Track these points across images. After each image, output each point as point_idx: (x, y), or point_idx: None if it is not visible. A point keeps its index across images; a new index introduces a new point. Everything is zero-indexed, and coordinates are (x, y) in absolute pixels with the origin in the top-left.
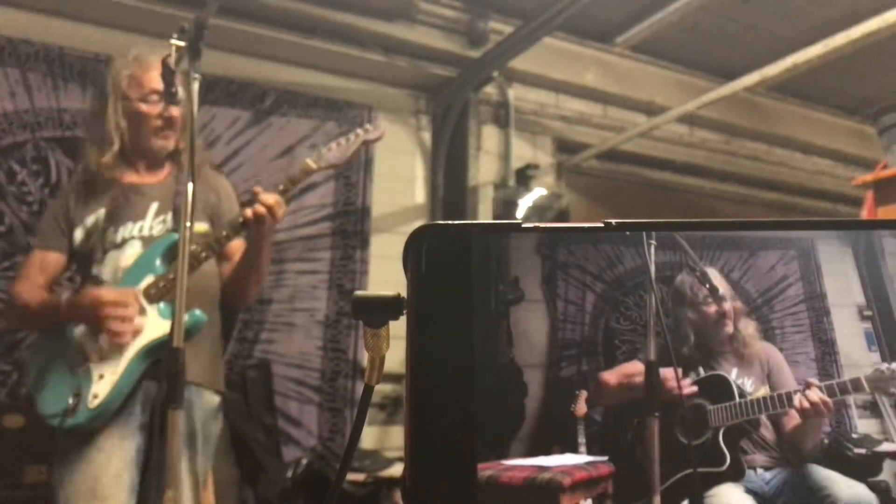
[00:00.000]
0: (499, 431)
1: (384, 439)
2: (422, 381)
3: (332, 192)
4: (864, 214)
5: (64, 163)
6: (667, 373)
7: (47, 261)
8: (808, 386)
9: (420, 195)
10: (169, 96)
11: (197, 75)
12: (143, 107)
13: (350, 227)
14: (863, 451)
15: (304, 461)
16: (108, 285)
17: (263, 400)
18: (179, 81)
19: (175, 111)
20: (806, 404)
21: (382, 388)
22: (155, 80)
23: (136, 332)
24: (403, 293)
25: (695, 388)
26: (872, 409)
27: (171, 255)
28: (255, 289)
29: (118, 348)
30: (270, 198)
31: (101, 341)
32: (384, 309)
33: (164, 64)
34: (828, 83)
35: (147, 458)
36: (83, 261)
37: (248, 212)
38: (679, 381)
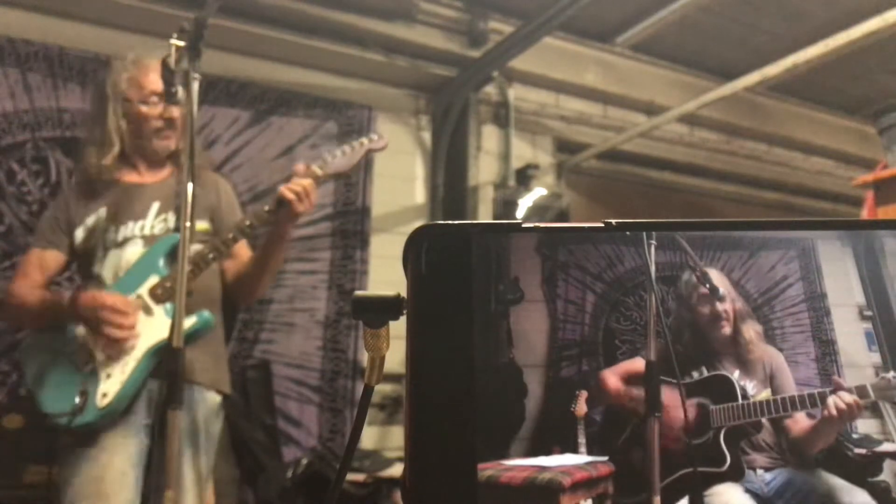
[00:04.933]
0: (499, 431)
1: (384, 439)
2: (422, 381)
3: (331, 192)
4: (864, 214)
5: (64, 163)
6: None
7: (46, 259)
8: (837, 388)
9: (420, 195)
10: (169, 96)
11: (197, 75)
12: (144, 108)
13: (350, 227)
14: (863, 451)
15: (304, 461)
16: (109, 284)
17: (263, 400)
18: (179, 81)
19: (175, 112)
20: (842, 405)
21: (382, 388)
22: (154, 82)
23: (141, 334)
24: (403, 293)
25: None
26: (873, 409)
27: (174, 255)
28: (265, 287)
29: (124, 348)
30: (306, 181)
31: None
32: (384, 309)
33: (164, 64)
34: (828, 83)
35: (150, 458)
36: (84, 260)
37: (286, 190)
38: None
